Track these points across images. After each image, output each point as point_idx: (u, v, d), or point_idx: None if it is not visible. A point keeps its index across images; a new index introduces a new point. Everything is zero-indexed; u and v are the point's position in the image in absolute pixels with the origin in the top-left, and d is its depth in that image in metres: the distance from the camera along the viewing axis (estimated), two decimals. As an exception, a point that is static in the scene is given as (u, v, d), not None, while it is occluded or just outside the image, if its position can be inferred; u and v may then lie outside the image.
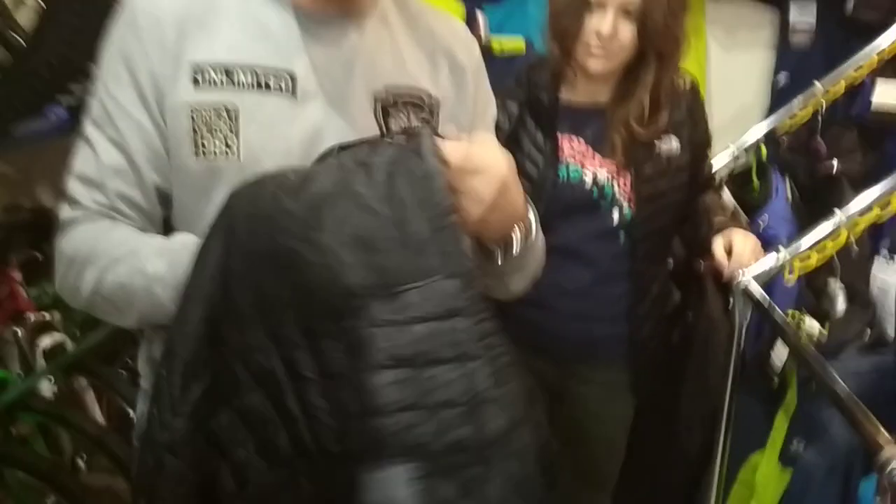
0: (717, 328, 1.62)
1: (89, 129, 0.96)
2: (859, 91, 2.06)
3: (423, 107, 1.05)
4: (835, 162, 1.95)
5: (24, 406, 2.05)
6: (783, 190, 1.98)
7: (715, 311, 1.64)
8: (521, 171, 1.55)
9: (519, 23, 2.40)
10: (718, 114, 2.34)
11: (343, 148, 0.91)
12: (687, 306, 1.87)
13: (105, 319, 1.01)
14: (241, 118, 0.95)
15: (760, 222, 1.90)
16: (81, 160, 0.96)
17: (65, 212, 0.96)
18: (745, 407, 1.57)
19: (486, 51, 2.33)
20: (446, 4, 2.37)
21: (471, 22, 2.36)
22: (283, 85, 0.97)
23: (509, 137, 1.56)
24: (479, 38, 2.34)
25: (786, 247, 1.69)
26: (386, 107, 1.03)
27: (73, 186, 0.96)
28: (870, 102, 2.00)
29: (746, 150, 2.03)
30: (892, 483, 0.95)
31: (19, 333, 2.18)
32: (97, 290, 0.93)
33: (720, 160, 2.03)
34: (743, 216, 1.95)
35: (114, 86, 0.94)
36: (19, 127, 2.04)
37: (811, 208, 1.96)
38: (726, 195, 2.00)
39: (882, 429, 1.00)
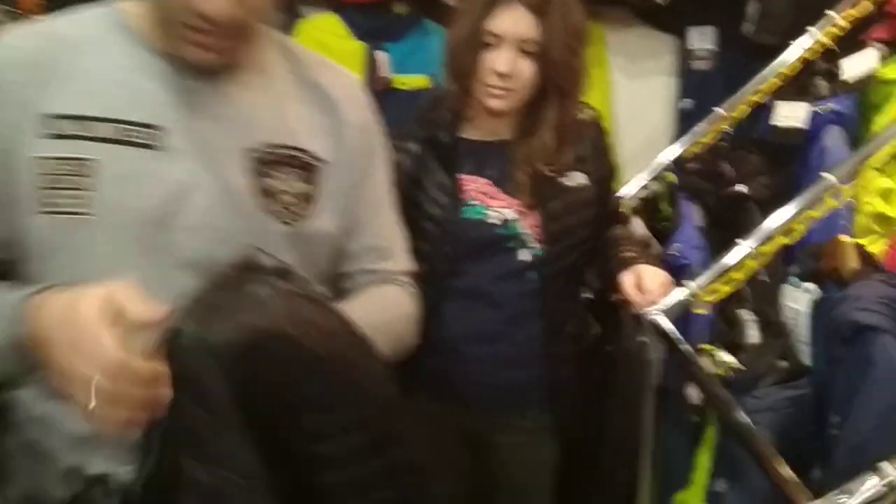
0: (637, 362, 1.59)
1: None
2: (761, 113, 2.07)
3: (303, 166, 0.98)
4: (741, 186, 1.94)
5: None
6: (692, 216, 1.96)
7: (633, 344, 1.61)
8: (425, 213, 1.51)
9: (422, 60, 2.35)
10: (627, 142, 2.40)
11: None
12: (607, 340, 1.85)
13: None
14: (98, 173, 0.87)
15: (673, 251, 1.89)
16: None
17: None
18: (673, 443, 1.54)
19: (390, 89, 2.31)
20: (344, 44, 2.32)
21: (371, 62, 2.31)
22: (145, 139, 0.89)
23: (411, 178, 1.51)
24: (380, 77, 2.30)
25: (694, 277, 1.71)
26: (261, 167, 0.95)
27: None
28: (771, 124, 2.00)
29: (654, 178, 2.02)
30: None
31: None
32: None
33: (629, 189, 2.01)
34: (655, 246, 1.94)
35: None
36: None
37: (721, 234, 1.95)
38: (637, 225, 1.99)
39: (792, 477, 0.97)
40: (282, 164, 0.97)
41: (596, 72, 2.35)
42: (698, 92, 2.39)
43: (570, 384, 1.58)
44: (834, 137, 1.91)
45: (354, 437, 0.80)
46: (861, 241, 1.76)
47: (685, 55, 2.44)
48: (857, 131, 1.98)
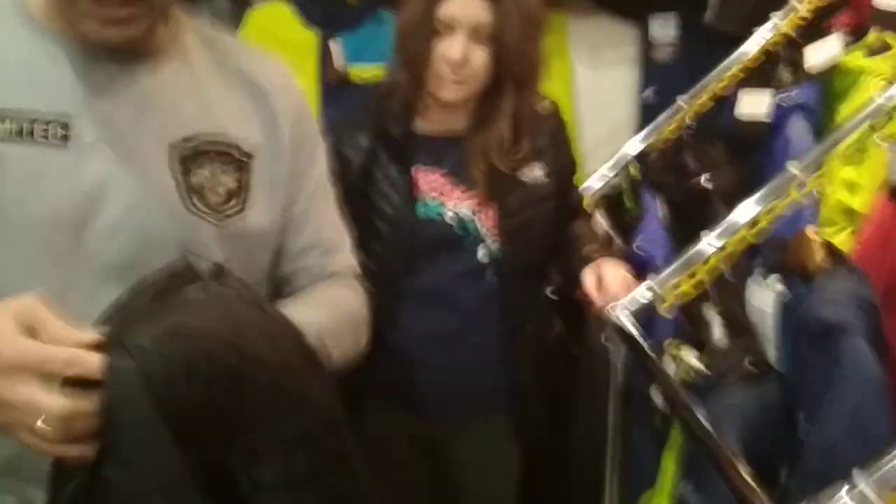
0: (602, 362, 1.54)
1: None
2: (725, 104, 2.02)
3: (232, 159, 0.91)
4: (704, 178, 1.89)
5: None
6: (655, 210, 1.91)
7: (597, 343, 1.56)
8: (377, 210, 1.44)
9: (379, 49, 2.25)
10: (589, 134, 2.37)
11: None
12: (571, 339, 1.79)
13: None
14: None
15: (634, 246, 1.84)
16: None
17: None
18: (639, 445, 1.49)
19: (344, 80, 2.22)
20: (296, 34, 2.23)
21: (324, 51, 2.22)
22: (53, 134, 0.81)
23: (361, 173, 1.43)
24: (335, 68, 2.21)
25: (657, 273, 1.66)
26: (185, 160, 0.87)
27: None
28: (734, 114, 1.95)
29: (617, 171, 1.97)
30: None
31: None
32: None
33: (591, 183, 1.96)
34: (618, 241, 1.89)
35: None
36: None
37: (684, 227, 1.90)
38: (600, 219, 1.94)
39: (753, 484, 0.92)
40: (209, 157, 0.89)
41: (556, 62, 2.27)
42: (661, 82, 2.30)
43: (532, 387, 1.52)
44: (798, 128, 1.88)
45: (299, 458, 0.74)
46: (825, 231, 1.75)
47: (647, 44, 2.38)
48: (821, 121, 1.97)
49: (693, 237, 1.81)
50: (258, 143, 0.94)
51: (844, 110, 1.86)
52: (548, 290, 1.85)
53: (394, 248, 1.41)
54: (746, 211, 1.33)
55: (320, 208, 1.03)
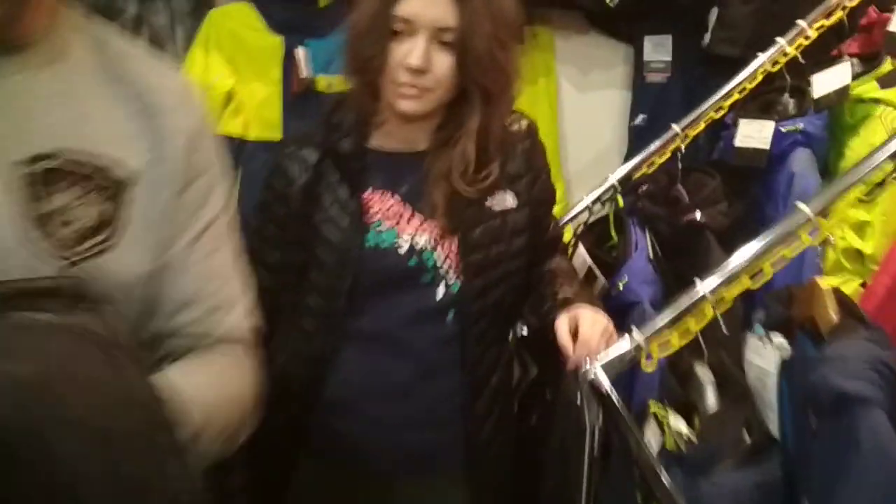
0: (578, 418, 1.35)
1: None
2: (721, 132, 1.88)
3: (105, 186, 0.71)
4: (698, 213, 1.71)
5: None
6: (644, 245, 1.74)
7: (572, 400, 1.36)
8: (321, 237, 1.24)
9: (349, 59, 2.09)
10: (573, 160, 2.30)
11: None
12: (545, 383, 1.61)
13: None
14: None
15: (619, 285, 1.66)
16: None
17: None
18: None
19: (311, 90, 2.04)
20: (260, 38, 2.05)
21: (290, 59, 2.04)
22: None
23: (305, 194, 1.24)
24: (301, 77, 2.03)
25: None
26: (38, 183, 0.68)
27: None
28: (732, 145, 1.79)
29: (602, 200, 1.80)
30: None
31: None
32: None
33: (574, 213, 1.81)
34: (600, 279, 1.71)
35: None
36: None
37: (675, 265, 1.74)
38: (581, 254, 1.76)
39: None
40: (71, 180, 0.70)
41: (541, 81, 2.23)
42: (653, 107, 2.19)
43: (494, 448, 1.33)
44: (803, 162, 1.74)
45: None
46: (831, 280, 1.59)
47: (640, 66, 2.23)
48: (827, 155, 1.80)
49: (685, 277, 1.67)
50: (139, 168, 0.76)
51: (857, 145, 1.73)
52: (521, 328, 1.69)
53: (338, 282, 1.22)
54: (748, 255, 1.14)
55: (209, 256, 0.83)
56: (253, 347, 0.86)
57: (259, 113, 2.06)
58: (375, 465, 1.28)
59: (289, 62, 2.04)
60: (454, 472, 1.31)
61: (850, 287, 1.62)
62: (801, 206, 1.13)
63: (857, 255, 1.65)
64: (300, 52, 2.04)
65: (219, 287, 0.83)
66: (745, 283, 1.14)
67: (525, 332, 1.66)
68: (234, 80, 2.05)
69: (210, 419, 0.72)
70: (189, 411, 0.68)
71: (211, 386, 0.77)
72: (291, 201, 1.24)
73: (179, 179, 0.78)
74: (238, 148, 2.05)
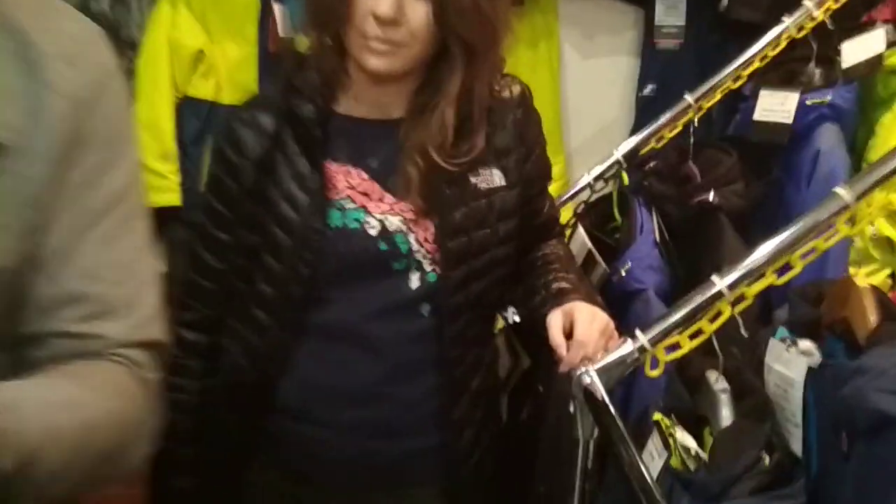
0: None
1: None
2: (738, 104, 1.74)
3: None
4: (711, 194, 1.56)
5: None
6: (650, 228, 1.61)
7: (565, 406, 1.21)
8: (276, 215, 1.08)
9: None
10: (575, 133, 2.18)
11: None
12: (538, 376, 1.47)
13: None
14: None
15: (622, 271, 1.51)
16: None
17: None
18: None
19: (289, 51, 1.87)
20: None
21: (265, 15, 1.91)
22: None
23: (259, 166, 1.08)
24: (278, 36, 1.91)
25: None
26: None
27: None
28: (751, 118, 1.66)
29: (605, 177, 1.65)
30: None
31: None
32: None
33: (574, 191, 1.67)
34: (601, 266, 1.55)
35: None
36: None
37: (683, 251, 1.60)
38: (580, 236, 1.61)
39: None
40: None
41: (542, 45, 2.09)
42: (663, 76, 2.08)
43: (474, 456, 1.18)
44: (830, 138, 1.61)
45: None
46: (858, 272, 1.44)
47: (650, 31, 2.10)
48: (854, 132, 1.65)
49: (695, 264, 1.53)
50: (15, 131, 0.61)
51: (890, 121, 1.61)
52: (512, 314, 1.54)
53: (295, 268, 1.06)
54: (773, 247, 0.97)
55: (101, 247, 0.66)
56: (150, 364, 0.69)
57: (232, 75, 1.94)
58: (340, 478, 1.13)
59: (266, 19, 1.93)
60: (430, 486, 1.17)
61: (879, 278, 1.50)
62: (840, 190, 0.96)
63: (887, 244, 1.51)
64: (278, 9, 1.92)
65: (111, 286, 0.67)
66: (770, 279, 0.97)
67: (517, 319, 1.54)
68: (206, 38, 1.92)
69: (59, 443, 0.56)
70: (23, 431, 0.53)
71: (70, 404, 0.61)
72: (244, 175, 1.08)
73: (61, 150, 0.63)
74: (209, 114, 1.93)
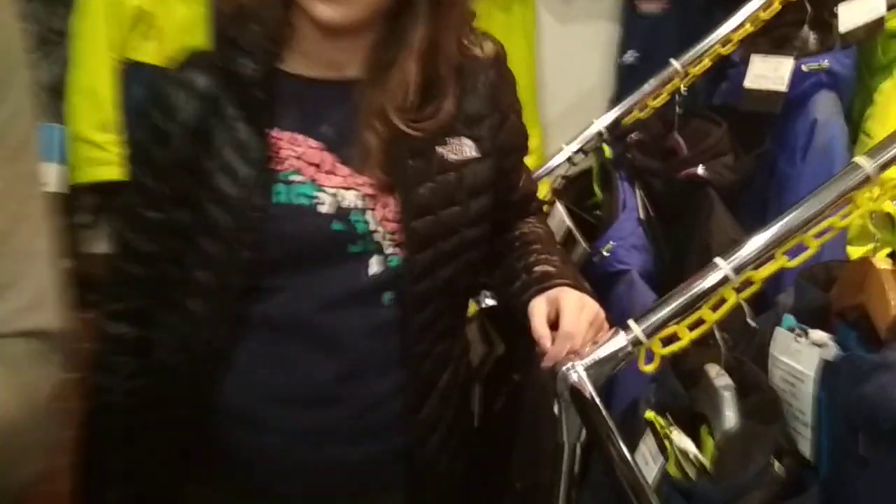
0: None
1: None
2: (727, 70, 1.64)
3: None
4: (699, 167, 1.47)
5: None
6: (633, 205, 1.54)
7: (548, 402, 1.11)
8: (211, 188, 0.94)
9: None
10: (553, 102, 2.13)
11: None
12: (514, 364, 1.40)
13: None
14: None
15: (603, 250, 1.43)
16: None
17: None
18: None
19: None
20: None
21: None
22: None
23: (193, 132, 0.95)
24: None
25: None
26: None
27: None
28: (741, 85, 1.56)
29: (585, 150, 1.59)
30: None
31: None
32: None
33: (551, 164, 1.61)
34: (582, 244, 1.47)
35: None
36: None
37: (670, 229, 1.52)
38: (559, 213, 1.52)
39: None
40: None
41: (517, 9, 2.02)
42: (646, 41, 2.04)
43: (441, 462, 1.07)
44: (827, 107, 1.51)
45: None
46: (858, 249, 1.35)
47: None
48: (851, 100, 1.58)
49: (682, 242, 1.45)
50: None
51: (890, 89, 1.53)
52: (484, 298, 1.46)
53: (235, 251, 0.94)
54: (786, 227, 0.86)
55: None
56: (35, 358, 0.57)
57: (179, 38, 1.79)
58: (290, 488, 1.01)
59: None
60: (394, 493, 1.06)
61: (878, 257, 1.39)
62: (862, 160, 0.84)
63: (888, 220, 1.42)
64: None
65: None
66: (781, 262, 0.86)
67: (490, 302, 1.46)
68: (149, -6, 1.80)
69: None
70: None
71: None
72: (174, 141, 0.95)
73: None
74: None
